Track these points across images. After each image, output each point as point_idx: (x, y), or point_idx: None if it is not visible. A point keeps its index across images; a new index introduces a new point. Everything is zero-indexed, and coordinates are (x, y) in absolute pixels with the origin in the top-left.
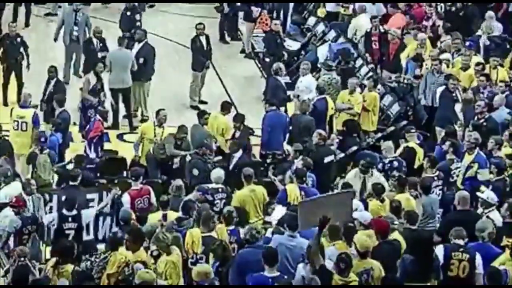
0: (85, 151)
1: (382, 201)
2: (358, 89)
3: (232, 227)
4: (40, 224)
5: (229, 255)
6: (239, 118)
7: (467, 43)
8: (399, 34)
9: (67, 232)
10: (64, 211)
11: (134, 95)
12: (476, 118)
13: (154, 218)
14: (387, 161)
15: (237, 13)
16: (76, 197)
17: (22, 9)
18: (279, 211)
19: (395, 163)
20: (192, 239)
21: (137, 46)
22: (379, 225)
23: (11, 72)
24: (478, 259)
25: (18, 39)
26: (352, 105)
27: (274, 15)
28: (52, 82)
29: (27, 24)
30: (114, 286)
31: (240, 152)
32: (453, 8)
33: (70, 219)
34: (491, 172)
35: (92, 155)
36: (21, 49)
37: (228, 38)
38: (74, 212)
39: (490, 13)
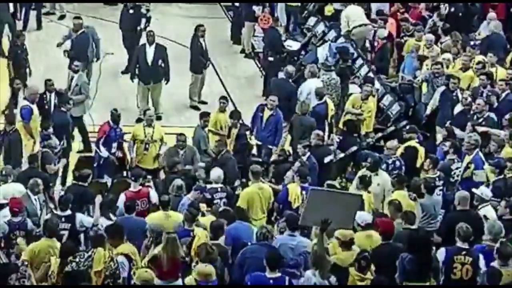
0: (96, 152)
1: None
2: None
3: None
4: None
5: (215, 258)
6: (236, 115)
7: (472, 43)
8: (382, 35)
9: (61, 232)
10: (58, 211)
11: (151, 95)
12: (475, 117)
13: (153, 217)
14: (390, 161)
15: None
16: (70, 197)
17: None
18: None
19: (397, 163)
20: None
21: (150, 49)
22: (385, 226)
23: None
24: (482, 261)
25: (24, 47)
26: (362, 111)
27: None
28: (52, 95)
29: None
30: (115, 286)
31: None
32: (452, 9)
33: (63, 219)
34: (492, 172)
35: (104, 154)
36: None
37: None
38: (68, 212)
39: (492, 14)
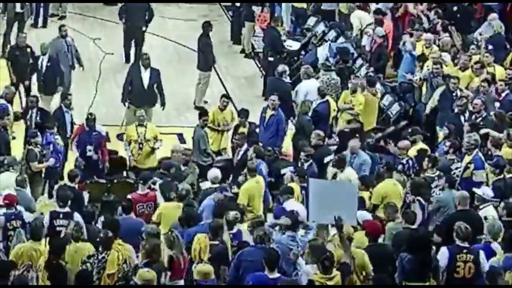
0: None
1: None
2: (359, 89)
3: (234, 230)
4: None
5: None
6: (244, 113)
7: (474, 42)
8: (380, 33)
9: (58, 229)
10: (57, 208)
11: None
12: (474, 117)
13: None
14: (404, 161)
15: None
16: (70, 195)
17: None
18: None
19: (410, 162)
20: (200, 246)
21: (145, 73)
22: (371, 227)
23: (19, 84)
24: (482, 257)
25: (28, 50)
26: (353, 106)
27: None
28: (34, 111)
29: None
30: (115, 286)
31: (246, 146)
32: (455, 8)
33: (61, 215)
34: (492, 173)
35: (75, 152)
36: (31, 60)
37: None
38: (67, 209)
39: (493, 14)
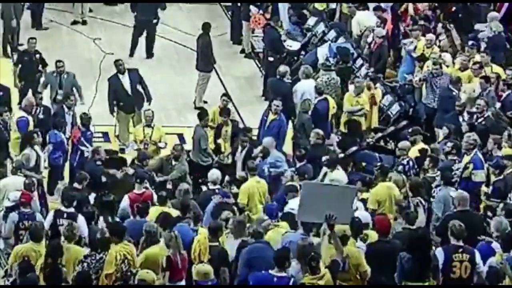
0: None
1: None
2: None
3: None
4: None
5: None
6: (225, 112)
7: (470, 42)
8: (380, 33)
9: (60, 228)
10: (62, 207)
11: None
12: (475, 117)
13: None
14: (405, 161)
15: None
16: (75, 196)
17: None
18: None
19: (411, 163)
20: (200, 247)
21: (124, 78)
22: (381, 223)
23: (28, 90)
24: (478, 258)
25: (37, 56)
26: (362, 106)
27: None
28: (40, 109)
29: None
30: (114, 286)
31: (248, 146)
32: (453, 8)
33: (65, 215)
34: (493, 173)
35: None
36: (40, 67)
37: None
38: (71, 209)
39: (493, 13)
